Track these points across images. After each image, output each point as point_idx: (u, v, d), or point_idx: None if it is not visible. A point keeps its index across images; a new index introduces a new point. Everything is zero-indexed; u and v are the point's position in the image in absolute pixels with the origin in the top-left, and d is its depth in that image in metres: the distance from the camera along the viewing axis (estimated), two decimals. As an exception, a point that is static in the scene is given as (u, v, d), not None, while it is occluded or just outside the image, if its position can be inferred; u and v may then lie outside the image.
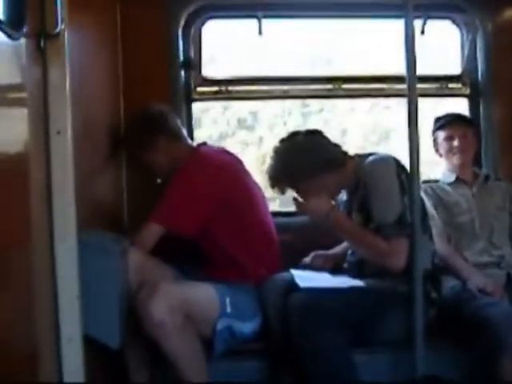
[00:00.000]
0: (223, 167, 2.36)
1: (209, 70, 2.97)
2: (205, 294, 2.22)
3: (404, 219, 2.12)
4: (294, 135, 2.36)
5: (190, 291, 2.20)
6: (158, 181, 2.52)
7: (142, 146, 2.45)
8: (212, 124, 3.53)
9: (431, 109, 2.98)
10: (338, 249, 2.57)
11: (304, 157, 2.28)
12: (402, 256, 2.11)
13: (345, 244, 2.51)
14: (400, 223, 2.12)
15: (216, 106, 3.37)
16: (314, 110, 3.79)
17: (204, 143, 2.53)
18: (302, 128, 2.44)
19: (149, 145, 2.43)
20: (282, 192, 2.36)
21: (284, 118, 3.62)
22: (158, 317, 2.02)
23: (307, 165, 2.27)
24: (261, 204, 2.50)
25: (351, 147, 2.62)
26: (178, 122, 2.55)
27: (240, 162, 2.49)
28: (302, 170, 2.27)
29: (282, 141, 2.36)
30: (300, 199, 2.30)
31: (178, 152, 2.44)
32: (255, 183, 2.51)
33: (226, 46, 3.26)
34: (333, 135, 2.33)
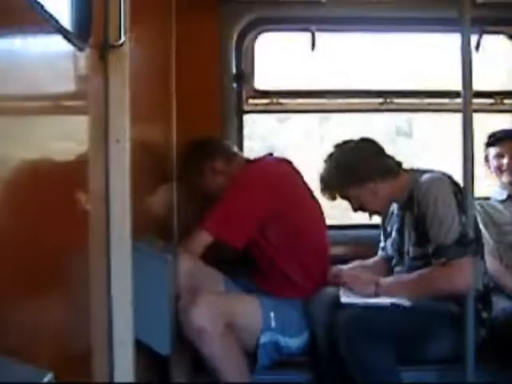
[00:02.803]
0: (276, 180, 2.35)
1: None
2: (248, 306, 2.24)
3: (464, 239, 2.08)
4: (349, 141, 2.34)
5: (233, 301, 2.23)
6: None
7: (202, 173, 2.47)
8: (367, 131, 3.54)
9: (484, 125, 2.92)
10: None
11: (357, 163, 2.26)
12: (468, 276, 2.05)
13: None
14: (461, 243, 2.07)
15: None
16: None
17: (270, 154, 2.54)
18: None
19: (209, 170, 2.46)
20: (333, 197, 2.34)
21: (440, 127, 3.54)
22: (199, 324, 2.05)
23: (359, 171, 2.25)
24: (316, 218, 2.47)
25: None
26: (227, 143, 2.61)
27: (298, 174, 2.48)
28: (354, 176, 2.25)
29: (337, 146, 2.35)
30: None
31: (237, 168, 2.45)
32: (313, 197, 2.48)
33: (279, 58, 3.28)
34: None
